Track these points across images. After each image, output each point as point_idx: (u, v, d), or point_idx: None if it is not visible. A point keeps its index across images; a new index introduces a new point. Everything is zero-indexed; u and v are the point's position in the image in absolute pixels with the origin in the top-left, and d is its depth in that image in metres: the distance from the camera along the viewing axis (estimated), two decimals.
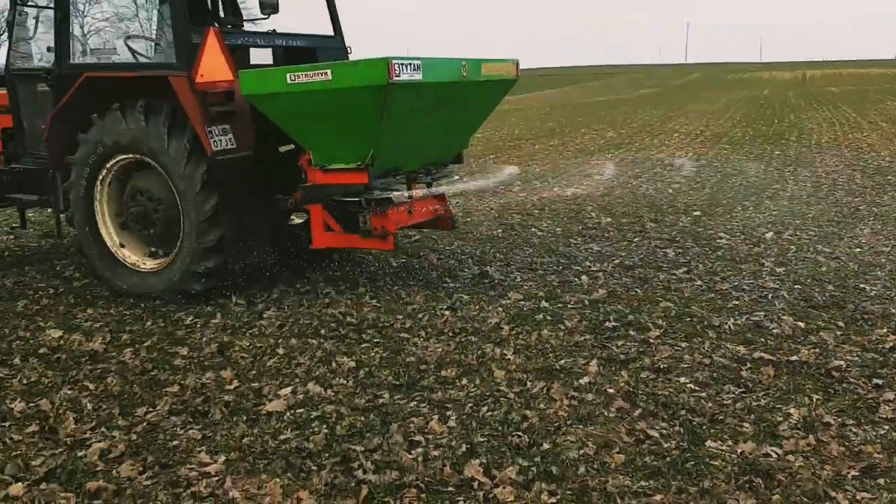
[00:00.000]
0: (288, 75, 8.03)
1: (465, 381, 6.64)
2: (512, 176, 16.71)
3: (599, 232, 12.36)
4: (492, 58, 9.03)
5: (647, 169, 19.51)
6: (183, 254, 9.06)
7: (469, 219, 13.55)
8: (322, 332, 7.96)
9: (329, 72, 7.84)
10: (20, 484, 5.25)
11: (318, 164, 8.53)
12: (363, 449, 5.55)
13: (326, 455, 5.52)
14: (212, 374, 7.02)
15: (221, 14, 10.78)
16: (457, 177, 9.72)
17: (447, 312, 8.37)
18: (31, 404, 6.45)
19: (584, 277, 9.64)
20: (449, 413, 6.05)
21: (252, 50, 10.19)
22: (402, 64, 7.69)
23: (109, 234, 9.79)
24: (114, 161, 9.37)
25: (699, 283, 9.40)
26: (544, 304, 8.59)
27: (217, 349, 7.62)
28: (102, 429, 6.02)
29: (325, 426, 5.94)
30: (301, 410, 6.22)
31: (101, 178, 9.53)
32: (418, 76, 7.90)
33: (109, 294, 9.48)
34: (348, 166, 8.35)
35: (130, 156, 9.24)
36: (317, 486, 5.14)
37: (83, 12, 10.46)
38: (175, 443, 5.80)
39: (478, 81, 8.82)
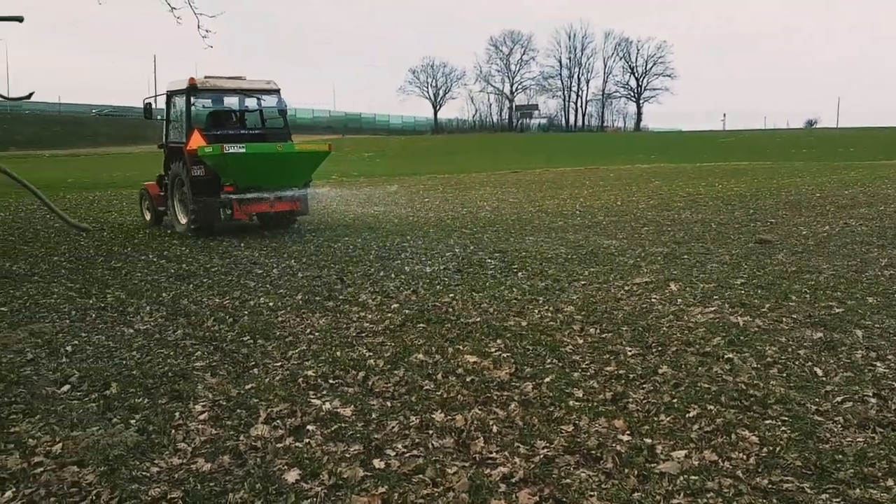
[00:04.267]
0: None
1: (890, 483, 5.79)
2: None
3: None
4: (308, 140, 18.54)
5: None
6: None
7: None
8: (722, 399, 7.51)
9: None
10: (435, 489, 5.79)
11: (223, 184, 19.72)
12: None
13: None
14: (604, 421, 6.99)
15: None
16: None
17: (873, 399, 7.49)
18: (448, 417, 7.02)
19: None
20: None
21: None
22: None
23: None
24: None
25: None
26: None
27: (611, 397, 7.59)
28: (505, 453, 6.36)
29: (720, 499, 5.57)
30: (695, 478, 5.90)
31: None
32: (242, 150, 19.18)
33: (518, 331, 9.97)
34: (228, 185, 19.63)
35: None
36: None
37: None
38: (567, 481, 5.90)
39: (292, 153, 19.65)
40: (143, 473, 6.11)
